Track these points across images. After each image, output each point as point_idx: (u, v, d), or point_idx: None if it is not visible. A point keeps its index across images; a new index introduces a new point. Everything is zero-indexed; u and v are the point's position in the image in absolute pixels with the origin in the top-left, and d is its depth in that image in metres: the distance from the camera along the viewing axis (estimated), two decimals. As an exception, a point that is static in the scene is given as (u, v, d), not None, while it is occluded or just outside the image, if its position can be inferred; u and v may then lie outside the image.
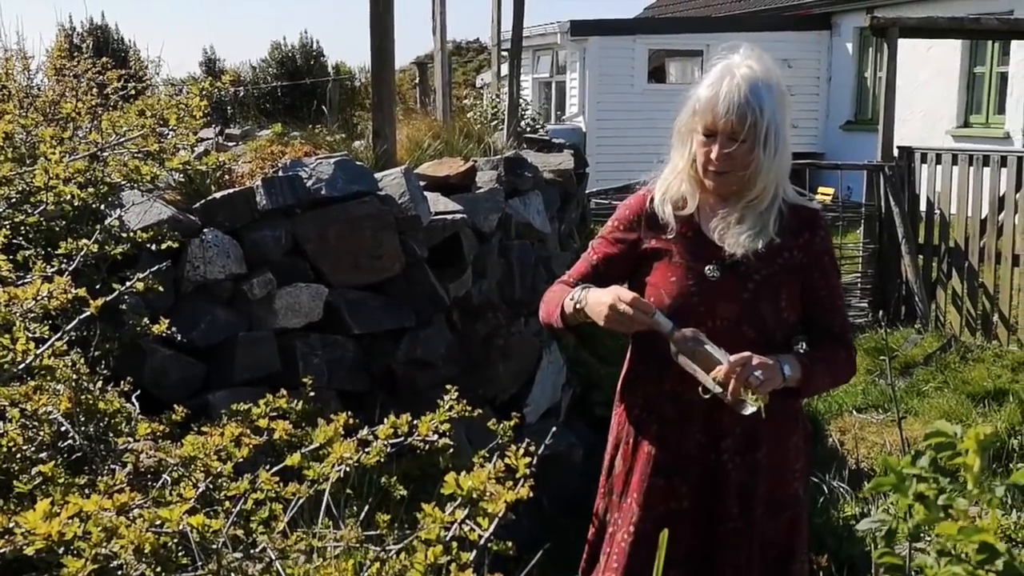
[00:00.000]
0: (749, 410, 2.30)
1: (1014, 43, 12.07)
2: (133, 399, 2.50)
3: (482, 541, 1.66)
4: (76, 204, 3.10)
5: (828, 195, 12.09)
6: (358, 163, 4.30)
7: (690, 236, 2.52)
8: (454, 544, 1.67)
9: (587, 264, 2.64)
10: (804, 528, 2.72)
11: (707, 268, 2.48)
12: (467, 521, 1.73)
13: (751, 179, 2.45)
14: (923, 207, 8.38)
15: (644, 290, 2.52)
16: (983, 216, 7.86)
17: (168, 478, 2.01)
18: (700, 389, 2.37)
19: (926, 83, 14.08)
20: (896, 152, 8.49)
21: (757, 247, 2.47)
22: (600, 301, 2.38)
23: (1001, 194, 7.74)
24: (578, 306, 2.46)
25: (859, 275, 8.74)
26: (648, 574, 1.85)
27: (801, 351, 2.57)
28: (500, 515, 1.64)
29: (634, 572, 2.55)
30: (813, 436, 5.91)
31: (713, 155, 2.44)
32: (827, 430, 6.30)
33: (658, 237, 2.54)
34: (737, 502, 2.54)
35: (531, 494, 1.74)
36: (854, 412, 6.55)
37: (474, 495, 1.75)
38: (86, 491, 1.76)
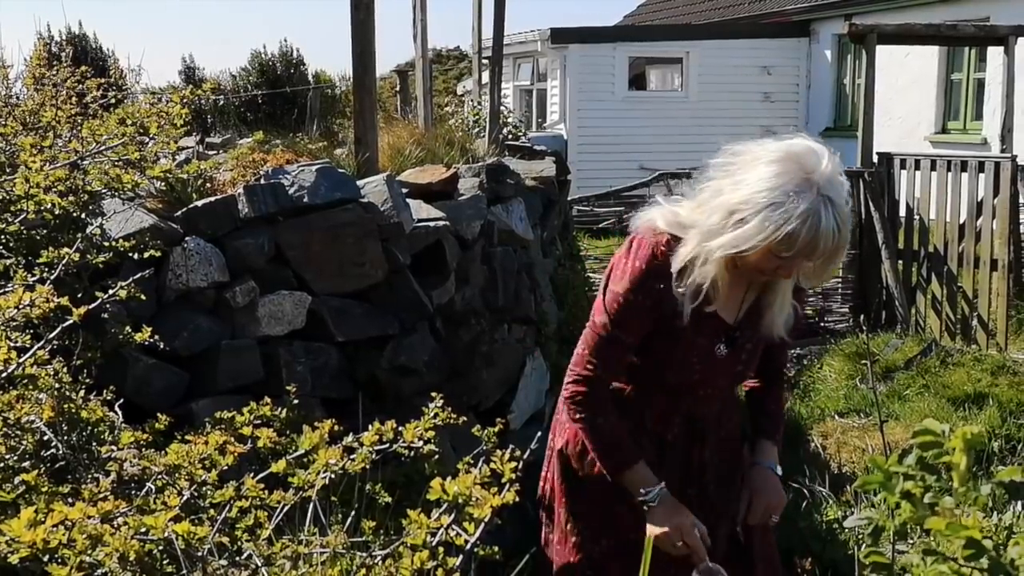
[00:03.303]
0: None
1: (991, 50, 12.16)
2: (116, 408, 2.49)
3: (469, 546, 1.66)
4: (57, 213, 3.08)
5: (808, 201, 12.15)
6: (340, 170, 4.30)
7: (702, 313, 2.38)
8: (440, 549, 1.67)
9: (617, 347, 2.44)
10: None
11: (717, 347, 2.44)
12: (453, 526, 1.73)
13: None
14: (903, 213, 8.44)
15: (652, 352, 2.45)
16: (962, 221, 7.92)
17: (152, 486, 2.00)
18: None
19: (904, 90, 14.18)
20: (875, 158, 8.55)
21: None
22: (666, 523, 2.34)
23: (979, 199, 7.81)
24: (644, 508, 2.38)
25: (840, 280, 8.79)
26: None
27: (763, 415, 2.69)
28: (486, 520, 1.64)
29: None
30: (795, 441, 5.96)
31: (787, 274, 2.28)
32: (809, 435, 6.33)
33: (674, 306, 2.37)
34: (732, 529, 2.60)
35: (517, 499, 1.74)
36: (836, 417, 6.57)
37: (460, 500, 1.75)
38: (70, 500, 1.74)
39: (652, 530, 2.34)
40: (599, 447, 2.45)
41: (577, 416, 2.46)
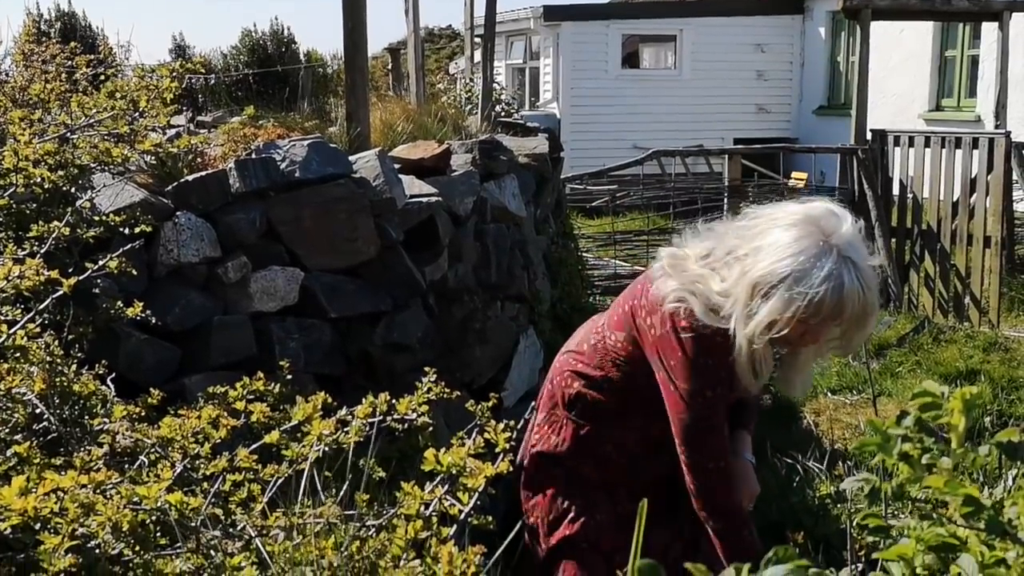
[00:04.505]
0: None
1: (985, 26, 12.16)
2: (108, 382, 2.48)
3: (463, 515, 1.66)
4: (47, 187, 3.06)
5: (802, 179, 12.15)
6: (332, 145, 4.27)
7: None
8: (434, 519, 1.67)
9: (723, 427, 2.46)
10: None
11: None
12: (447, 496, 1.73)
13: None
14: (896, 190, 8.44)
15: (653, 402, 2.46)
16: (955, 199, 7.92)
17: (145, 459, 1.99)
18: None
19: (898, 67, 14.17)
20: (869, 135, 8.54)
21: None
22: None
23: (973, 176, 7.81)
24: None
25: (833, 258, 8.78)
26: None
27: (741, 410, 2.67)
28: (480, 489, 1.64)
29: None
30: (787, 418, 5.98)
31: (813, 340, 2.23)
32: (801, 412, 6.34)
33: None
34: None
35: (510, 469, 1.73)
36: (828, 394, 6.59)
37: (454, 471, 1.75)
38: (62, 471, 1.74)
39: None
40: (738, 557, 2.31)
41: (719, 527, 2.43)
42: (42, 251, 2.62)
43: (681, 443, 2.41)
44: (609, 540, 2.55)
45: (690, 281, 2.30)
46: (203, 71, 4.37)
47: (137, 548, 1.61)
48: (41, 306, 2.21)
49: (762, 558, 2.44)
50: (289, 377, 2.75)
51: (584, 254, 8.76)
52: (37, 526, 1.42)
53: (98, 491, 1.55)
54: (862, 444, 0.96)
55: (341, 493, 2.18)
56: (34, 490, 1.42)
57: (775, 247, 2.15)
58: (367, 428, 2.15)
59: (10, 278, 2.15)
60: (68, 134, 3.28)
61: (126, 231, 3.18)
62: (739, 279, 2.19)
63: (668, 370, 2.37)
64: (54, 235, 2.70)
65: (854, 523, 2.37)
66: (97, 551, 1.56)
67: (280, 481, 2.03)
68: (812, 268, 2.10)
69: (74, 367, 2.38)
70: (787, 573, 0.77)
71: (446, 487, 1.77)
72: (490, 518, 1.79)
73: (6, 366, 2.05)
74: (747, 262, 2.19)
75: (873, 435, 0.95)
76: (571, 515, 2.62)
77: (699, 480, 2.41)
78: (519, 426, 1.90)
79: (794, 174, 12.53)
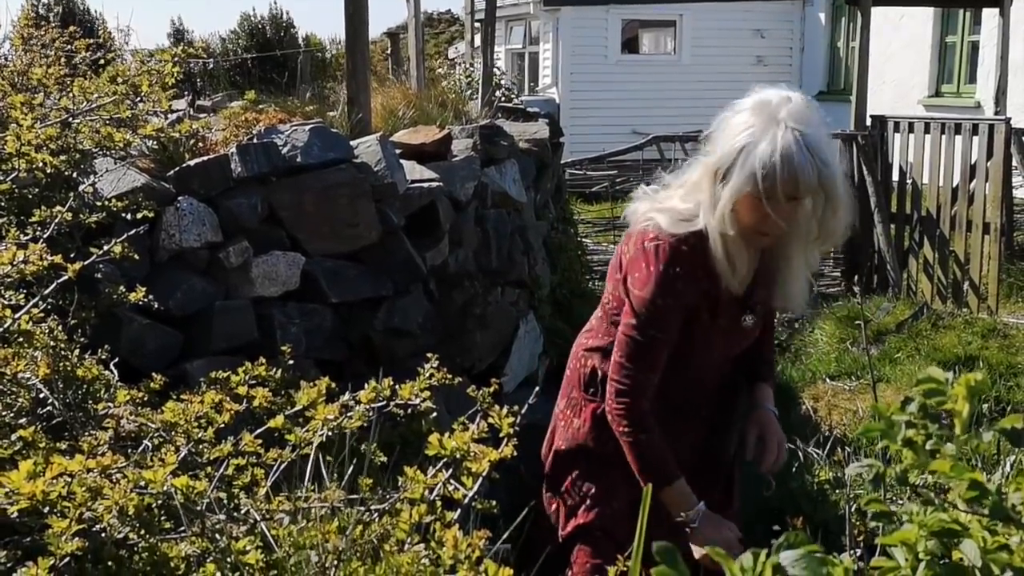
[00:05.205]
0: None
1: (985, 12, 12.14)
2: (112, 367, 2.49)
3: (467, 500, 1.67)
4: (49, 171, 3.06)
5: (801, 165, 12.14)
6: (333, 130, 4.27)
7: (720, 294, 2.42)
8: (438, 503, 1.68)
9: (664, 352, 2.47)
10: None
11: (744, 319, 2.50)
12: (451, 481, 1.74)
13: (797, 240, 2.38)
14: (896, 176, 8.43)
15: (677, 343, 2.48)
16: (955, 185, 7.92)
17: (149, 443, 2.00)
18: None
19: (898, 53, 14.14)
20: (869, 121, 8.53)
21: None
22: (711, 542, 2.30)
23: (973, 162, 7.80)
24: (687, 528, 2.40)
25: (832, 244, 8.79)
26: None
27: (762, 366, 2.73)
28: (484, 474, 1.65)
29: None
30: (786, 404, 6.01)
31: (776, 221, 2.25)
32: (800, 398, 6.36)
33: (696, 301, 2.43)
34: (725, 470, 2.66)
35: (515, 453, 1.74)
36: (827, 380, 6.61)
37: (457, 455, 1.76)
38: (68, 455, 1.74)
39: (698, 551, 2.36)
40: (641, 463, 2.46)
41: (620, 430, 2.48)
42: (44, 236, 2.63)
43: (618, 346, 2.47)
44: (624, 529, 2.57)
45: (658, 201, 2.42)
46: (204, 56, 4.36)
47: (142, 532, 1.62)
48: (46, 291, 2.22)
49: (664, 462, 2.49)
50: (291, 362, 2.76)
51: (583, 239, 8.76)
52: (45, 510, 1.42)
53: (104, 475, 1.56)
54: (866, 430, 0.97)
55: (344, 480, 2.19)
56: (42, 474, 1.43)
57: (729, 131, 2.25)
58: (370, 413, 2.16)
59: (15, 263, 2.15)
60: (70, 119, 3.28)
61: (128, 216, 3.18)
62: (702, 173, 2.30)
63: (631, 283, 2.43)
64: (56, 220, 2.70)
65: (854, 508, 2.39)
66: (103, 535, 1.57)
67: (283, 465, 2.04)
68: (761, 140, 2.18)
69: (77, 352, 2.39)
70: (798, 558, 0.78)
71: (449, 472, 1.78)
72: (494, 503, 1.80)
73: (10, 350, 2.05)
74: (707, 155, 2.31)
75: (877, 421, 0.96)
76: (587, 503, 2.65)
77: (618, 382, 2.46)
78: (522, 411, 1.92)
79: (794, 160, 12.55)
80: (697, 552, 2.36)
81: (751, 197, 2.21)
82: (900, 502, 2.85)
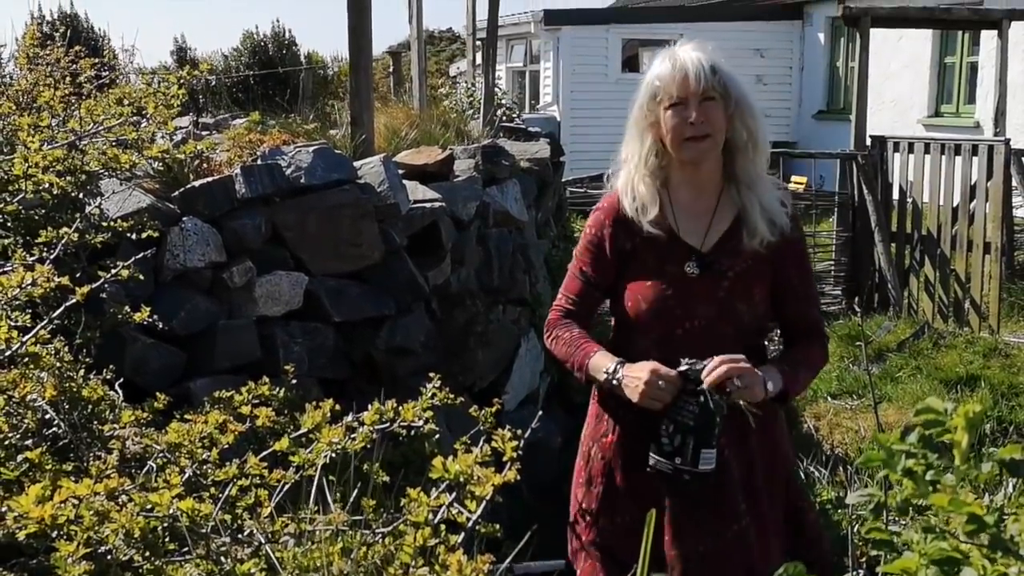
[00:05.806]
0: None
1: (984, 33, 12.18)
2: (116, 387, 2.50)
3: (471, 523, 1.68)
4: (55, 193, 3.08)
5: (801, 183, 12.16)
6: (337, 151, 4.30)
7: (663, 237, 2.48)
8: (442, 526, 1.69)
9: (578, 280, 2.59)
10: (803, 500, 2.82)
11: (686, 266, 2.48)
12: (454, 504, 1.75)
13: (738, 156, 2.46)
14: (896, 195, 8.46)
15: (623, 294, 2.51)
16: (955, 204, 7.94)
17: (154, 464, 2.01)
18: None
19: (897, 73, 14.19)
20: (869, 141, 8.56)
21: (764, 240, 2.48)
22: (636, 377, 2.32)
23: (972, 182, 7.82)
24: (614, 382, 2.40)
25: (832, 263, 8.81)
26: (633, 562, 1.87)
27: (778, 355, 2.61)
28: (488, 497, 1.66)
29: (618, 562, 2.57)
30: (787, 423, 6.00)
31: (691, 117, 2.38)
32: (802, 416, 6.36)
33: (632, 240, 2.51)
34: (743, 498, 2.53)
35: (518, 477, 1.75)
36: (828, 398, 6.61)
37: (461, 479, 1.77)
38: (74, 477, 1.76)
39: (632, 394, 2.33)
40: (563, 353, 2.56)
41: (545, 337, 2.64)
42: (51, 257, 2.64)
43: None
44: (626, 545, 2.54)
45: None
46: (210, 76, 4.39)
47: (148, 554, 1.63)
48: (55, 314, 2.23)
49: (576, 347, 2.47)
50: (293, 381, 2.77)
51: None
52: (52, 533, 1.44)
53: (111, 498, 1.57)
54: (867, 459, 0.98)
55: (349, 500, 2.20)
56: (50, 498, 1.44)
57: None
58: (373, 434, 2.17)
59: (23, 285, 2.17)
60: (77, 140, 3.31)
61: (133, 236, 3.20)
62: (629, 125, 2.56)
63: None
64: (63, 241, 2.72)
65: (858, 533, 2.38)
66: (108, 557, 1.59)
67: (287, 487, 2.05)
68: (655, 59, 2.48)
69: (82, 372, 2.40)
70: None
71: (453, 494, 1.79)
72: (497, 526, 1.81)
73: (17, 372, 2.07)
74: None
75: (878, 451, 0.97)
76: (590, 518, 2.64)
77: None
78: (525, 435, 1.93)
79: (793, 178, 12.53)
80: (634, 398, 2.32)
81: (660, 107, 2.42)
82: (903, 523, 2.84)
